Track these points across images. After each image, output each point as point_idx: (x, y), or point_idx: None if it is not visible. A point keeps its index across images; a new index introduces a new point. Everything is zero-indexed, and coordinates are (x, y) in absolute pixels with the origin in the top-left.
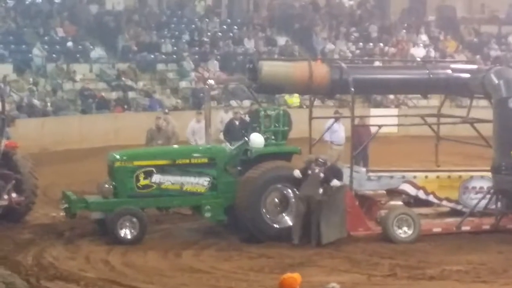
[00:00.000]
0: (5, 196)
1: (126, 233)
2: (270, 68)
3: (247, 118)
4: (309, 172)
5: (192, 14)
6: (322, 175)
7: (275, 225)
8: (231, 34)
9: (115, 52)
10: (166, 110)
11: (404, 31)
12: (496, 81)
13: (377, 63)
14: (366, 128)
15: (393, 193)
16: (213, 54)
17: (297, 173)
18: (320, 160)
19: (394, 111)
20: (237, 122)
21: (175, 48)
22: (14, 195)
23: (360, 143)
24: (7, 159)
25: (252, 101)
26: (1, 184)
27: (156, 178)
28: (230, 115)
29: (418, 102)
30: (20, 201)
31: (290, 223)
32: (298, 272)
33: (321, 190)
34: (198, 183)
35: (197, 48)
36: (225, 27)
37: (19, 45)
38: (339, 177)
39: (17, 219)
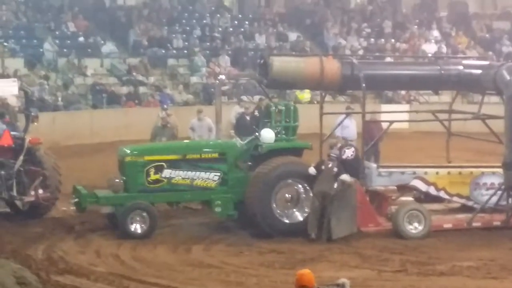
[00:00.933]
0: (32, 192)
1: (136, 227)
2: (281, 63)
3: (256, 113)
4: (323, 167)
5: (203, 10)
6: (335, 169)
7: (286, 220)
8: (242, 29)
9: (126, 47)
10: (165, 106)
11: (416, 27)
12: (508, 77)
13: (388, 59)
14: (377, 124)
15: (404, 189)
16: (224, 50)
17: (312, 170)
18: (333, 155)
19: (405, 107)
20: (247, 117)
21: (186, 43)
22: (40, 191)
23: (371, 139)
24: (31, 155)
25: (260, 96)
26: (28, 180)
27: (167, 173)
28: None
29: (430, 98)
30: (46, 197)
31: (301, 219)
32: (308, 268)
33: (335, 185)
34: (209, 178)
35: (208, 44)
36: (236, 22)
37: (30, 40)
38: (354, 166)
39: (41, 215)
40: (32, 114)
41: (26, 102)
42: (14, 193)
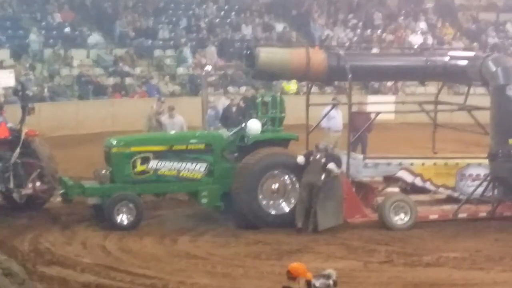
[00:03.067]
0: (29, 185)
1: (122, 218)
2: (268, 54)
3: (242, 104)
4: (311, 158)
5: (190, 0)
6: (323, 160)
7: (272, 212)
8: (228, 20)
9: (112, 37)
10: (162, 98)
11: (402, 18)
12: (494, 68)
13: (374, 50)
14: (363, 115)
15: (390, 180)
16: (210, 41)
17: (300, 159)
18: (321, 146)
19: (391, 98)
20: (234, 108)
21: (172, 34)
22: (38, 183)
23: (357, 130)
24: (28, 147)
25: (246, 87)
26: (24, 173)
27: (153, 164)
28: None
29: (416, 90)
30: (44, 189)
31: (287, 210)
32: (294, 259)
33: (323, 176)
34: (195, 169)
35: (194, 34)
36: (222, 13)
37: (16, 31)
38: (338, 164)
39: (38, 207)
40: (29, 106)
41: (22, 93)
42: (11, 185)
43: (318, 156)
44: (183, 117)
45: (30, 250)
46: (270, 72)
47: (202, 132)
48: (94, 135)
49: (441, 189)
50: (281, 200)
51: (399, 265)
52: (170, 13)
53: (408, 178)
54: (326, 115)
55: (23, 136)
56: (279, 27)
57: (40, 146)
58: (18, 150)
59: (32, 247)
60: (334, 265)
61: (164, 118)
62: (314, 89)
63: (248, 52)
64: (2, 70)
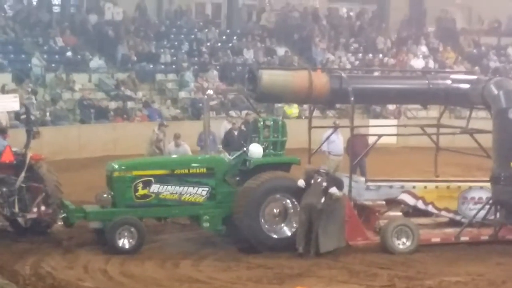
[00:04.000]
0: (34, 209)
1: (124, 243)
2: (270, 76)
3: (243, 128)
4: (312, 181)
5: (191, 24)
6: (324, 184)
7: (274, 236)
8: (230, 44)
9: (114, 62)
10: (165, 123)
11: (404, 41)
12: (496, 92)
13: (376, 74)
14: (362, 138)
15: (392, 202)
16: (212, 65)
17: (301, 182)
18: (322, 170)
19: (393, 121)
20: (235, 132)
21: (174, 58)
22: (43, 207)
23: (355, 153)
24: (33, 171)
25: (247, 111)
26: (29, 197)
27: (155, 188)
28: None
29: (418, 113)
30: (48, 213)
31: (289, 234)
32: (297, 283)
33: (323, 199)
34: (197, 193)
35: (196, 59)
36: (224, 37)
37: (18, 55)
38: (340, 187)
39: (42, 232)
40: (34, 129)
41: (27, 117)
42: (16, 210)
43: (319, 180)
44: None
45: (32, 274)
46: (273, 94)
47: (204, 156)
48: (95, 159)
49: (443, 212)
50: (282, 224)
51: None
52: (172, 37)
53: (410, 201)
54: (327, 138)
55: (28, 160)
56: (281, 51)
57: (47, 172)
58: (23, 174)
59: (34, 271)
60: None
61: (170, 146)
62: (316, 113)
63: (250, 75)
64: (6, 95)
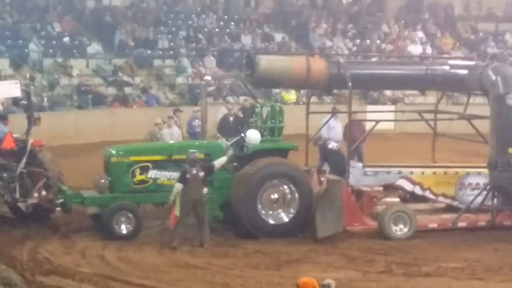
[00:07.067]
0: (35, 194)
1: (121, 228)
2: (268, 62)
3: (239, 114)
4: (188, 176)
5: (189, 10)
6: (201, 174)
7: (271, 221)
8: (227, 30)
9: (112, 47)
10: (180, 108)
11: (401, 28)
12: (494, 78)
13: (374, 59)
14: (359, 124)
15: (389, 188)
16: (209, 50)
17: (179, 186)
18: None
19: (390, 107)
20: (231, 118)
21: (171, 44)
22: (44, 192)
23: (353, 139)
24: (33, 157)
25: (245, 97)
26: (30, 183)
27: (152, 173)
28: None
29: (415, 99)
30: (49, 198)
31: (286, 219)
32: (294, 269)
33: (205, 190)
34: None
35: (193, 44)
36: (222, 23)
37: (15, 40)
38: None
39: (43, 218)
40: (35, 116)
41: (28, 103)
42: (17, 195)
43: (194, 171)
44: (183, 125)
45: (29, 259)
46: (271, 79)
47: (201, 141)
48: (93, 145)
49: (440, 198)
50: (280, 210)
51: (398, 275)
52: (169, 23)
53: (408, 186)
54: (325, 123)
55: (29, 146)
56: (278, 37)
57: (47, 157)
58: (24, 160)
59: (31, 257)
60: (333, 275)
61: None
62: (314, 98)
63: (248, 60)
64: (8, 81)
